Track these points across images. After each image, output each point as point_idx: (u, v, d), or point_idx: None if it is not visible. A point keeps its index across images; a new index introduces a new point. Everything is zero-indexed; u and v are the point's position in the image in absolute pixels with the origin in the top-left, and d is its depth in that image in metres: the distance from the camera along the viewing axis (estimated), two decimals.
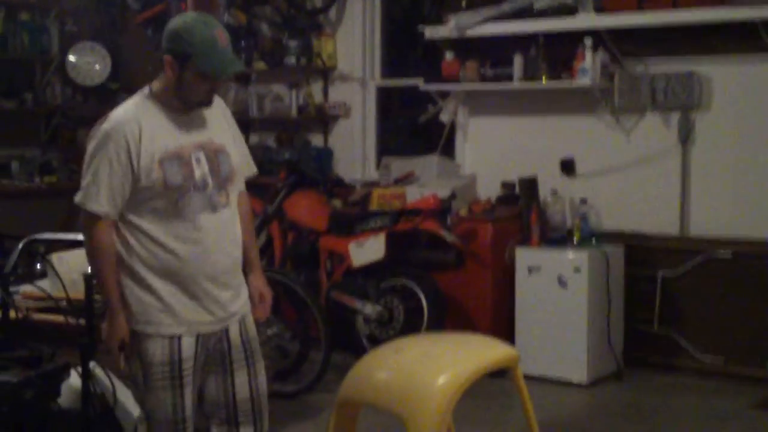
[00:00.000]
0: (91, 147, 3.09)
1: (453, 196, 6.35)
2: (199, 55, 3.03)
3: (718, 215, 6.13)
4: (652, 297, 6.28)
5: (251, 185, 7.70)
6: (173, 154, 3.07)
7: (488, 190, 6.76)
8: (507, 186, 6.70)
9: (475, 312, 6.25)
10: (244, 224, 3.34)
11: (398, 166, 7.12)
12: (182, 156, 3.09)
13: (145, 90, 3.16)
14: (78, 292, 4.65)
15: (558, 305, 6.02)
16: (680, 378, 6.11)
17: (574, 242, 6.20)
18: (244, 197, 3.41)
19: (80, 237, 4.88)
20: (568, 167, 6.61)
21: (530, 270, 6.14)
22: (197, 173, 3.10)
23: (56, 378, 4.24)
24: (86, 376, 4.25)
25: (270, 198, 6.57)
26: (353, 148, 7.70)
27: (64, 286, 4.44)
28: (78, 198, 3.11)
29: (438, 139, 7.18)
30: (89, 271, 3.25)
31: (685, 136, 6.19)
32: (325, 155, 7.66)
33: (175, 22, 3.10)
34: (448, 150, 7.23)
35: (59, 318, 4.59)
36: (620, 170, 6.45)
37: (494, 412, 5.36)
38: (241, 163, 3.34)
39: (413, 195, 6.51)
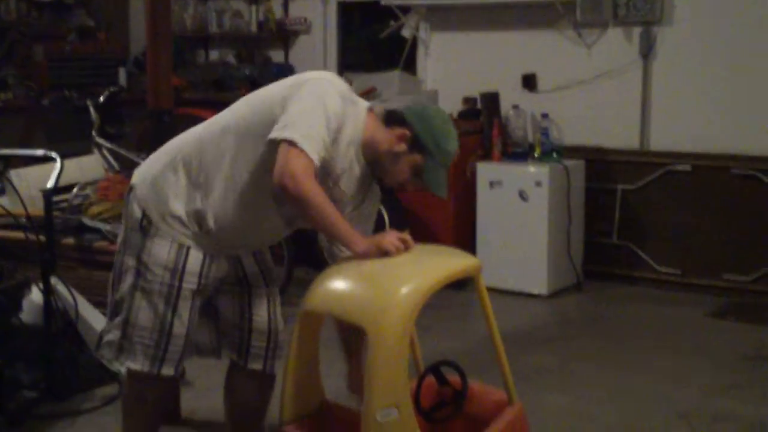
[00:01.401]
0: (319, 94, 2.82)
1: None
2: (433, 161, 2.91)
3: (679, 129, 6.16)
4: (612, 210, 6.35)
5: (211, 102, 7.67)
6: (333, 175, 2.90)
7: (450, 105, 6.73)
8: (468, 101, 6.69)
9: (436, 226, 6.28)
10: None
11: (359, 81, 7.05)
12: (333, 183, 2.92)
13: (360, 124, 2.91)
14: (37, 209, 4.63)
15: (519, 219, 6.06)
16: (639, 289, 6.21)
17: (536, 156, 6.22)
18: None
19: (39, 152, 4.87)
20: (529, 82, 6.60)
21: (491, 184, 6.17)
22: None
23: (17, 294, 4.25)
24: (47, 291, 4.27)
25: None
26: (314, 64, 7.62)
27: (23, 203, 4.42)
28: (296, 137, 2.72)
29: (400, 55, 7.13)
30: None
31: (647, 51, 6.19)
32: (286, 71, 7.59)
33: (440, 114, 2.98)
34: (410, 65, 7.18)
35: (19, 234, 4.58)
36: (582, 85, 6.45)
37: (456, 324, 5.42)
38: None
39: None
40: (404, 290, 2.63)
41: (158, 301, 2.95)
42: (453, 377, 2.99)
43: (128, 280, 3.00)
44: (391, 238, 2.77)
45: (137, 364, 3.00)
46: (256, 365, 3.15)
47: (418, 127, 2.90)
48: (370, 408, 2.53)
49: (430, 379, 3.01)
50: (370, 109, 2.98)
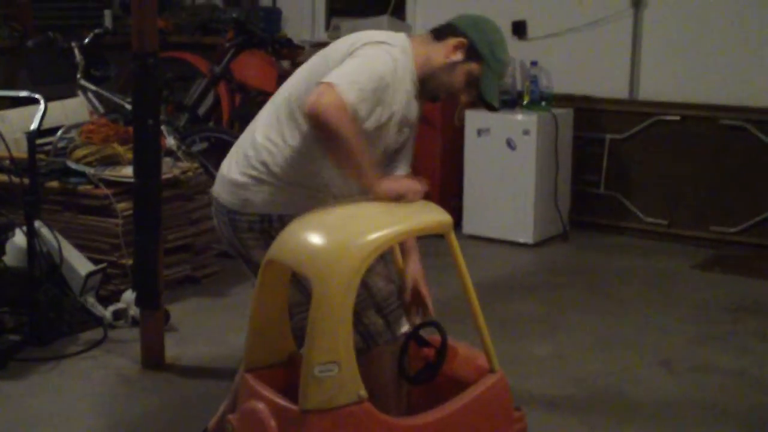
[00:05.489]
0: (370, 55, 2.79)
1: None
2: (489, 69, 2.91)
3: (668, 79, 6.13)
4: (600, 160, 6.33)
5: (197, 45, 7.58)
6: (399, 122, 2.89)
7: None
8: None
9: (423, 174, 6.13)
10: None
11: (348, 26, 7.00)
12: (401, 127, 2.92)
13: (408, 50, 2.89)
14: (21, 151, 4.60)
15: (506, 167, 6.04)
16: (625, 239, 6.21)
17: (524, 105, 6.19)
18: None
19: (22, 93, 4.82)
20: (519, 29, 6.55)
21: (479, 132, 6.14)
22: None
23: (1, 236, 4.23)
24: (31, 234, 4.25)
25: (217, 58, 6.46)
26: (302, 8, 7.56)
27: (6, 145, 4.38)
28: (336, 81, 2.67)
29: (389, 0, 7.05)
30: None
31: (637, 0, 6.14)
32: (274, 15, 7.51)
33: (492, 24, 2.99)
34: (399, 11, 7.11)
35: (2, 177, 4.55)
36: (572, 33, 6.40)
37: (436, 273, 5.41)
38: None
39: None
40: (354, 244, 2.53)
41: (382, 264, 2.89)
42: (435, 338, 2.96)
43: None
44: (411, 185, 2.74)
45: (405, 325, 2.94)
46: None
47: (474, 35, 2.91)
48: (309, 361, 2.48)
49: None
50: (411, 37, 2.95)
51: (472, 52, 2.90)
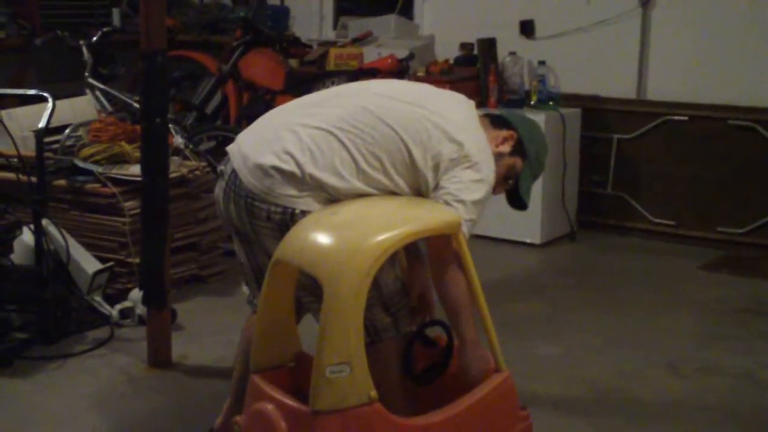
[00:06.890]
0: (485, 184, 2.88)
1: (411, 56, 6.28)
2: (529, 168, 3.07)
3: (676, 79, 6.11)
4: (607, 160, 6.32)
5: (205, 44, 7.57)
6: None
7: (446, 50, 6.69)
8: (465, 47, 6.63)
9: None
10: None
11: (356, 25, 7.01)
12: None
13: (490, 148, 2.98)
14: (29, 149, 4.61)
15: None
16: (632, 239, 6.20)
17: (532, 104, 6.18)
18: None
19: (31, 91, 4.83)
20: (527, 28, 6.54)
21: None
22: None
23: (8, 235, 4.24)
24: (39, 233, 4.25)
25: (225, 57, 6.47)
26: (310, 7, 7.56)
27: (14, 143, 4.39)
28: (470, 225, 2.83)
29: None
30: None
31: None
32: (282, 13, 7.51)
33: (540, 128, 3.20)
34: (407, 10, 7.11)
35: (10, 175, 4.56)
36: (580, 33, 6.39)
37: None
38: None
39: (370, 55, 6.42)
40: (366, 245, 2.53)
41: (390, 262, 2.86)
42: (441, 337, 2.96)
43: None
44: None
45: (411, 324, 2.98)
46: None
47: (524, 132, 3.07)
48: (321, 363, 2.48)
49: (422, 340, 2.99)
50: (479, 115, 3.03)
51: (518, 147, 3.05)
